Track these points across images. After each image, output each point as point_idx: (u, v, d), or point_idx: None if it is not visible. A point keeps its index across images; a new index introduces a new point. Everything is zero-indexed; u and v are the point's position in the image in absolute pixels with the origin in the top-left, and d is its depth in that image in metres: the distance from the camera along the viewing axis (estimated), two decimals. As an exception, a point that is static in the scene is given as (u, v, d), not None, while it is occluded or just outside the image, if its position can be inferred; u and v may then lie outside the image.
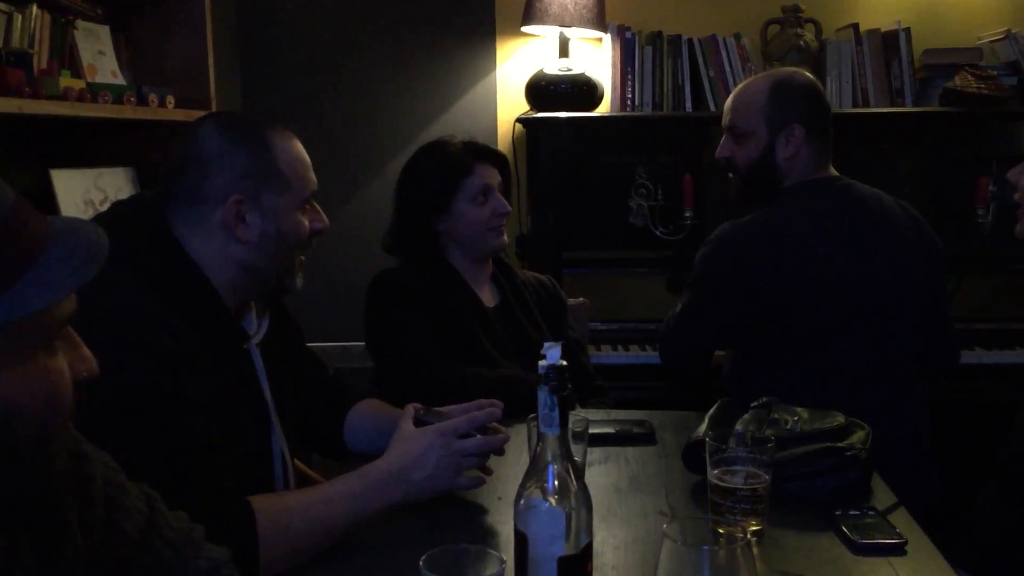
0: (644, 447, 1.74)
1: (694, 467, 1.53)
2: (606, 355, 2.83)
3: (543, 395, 0.95)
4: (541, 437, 0.97)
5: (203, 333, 1.33)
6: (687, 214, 2.88)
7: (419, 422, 1.43)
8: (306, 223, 1.45)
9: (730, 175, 2.17)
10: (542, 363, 0.95)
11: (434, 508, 1.39)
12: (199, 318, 1.33)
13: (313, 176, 1.47)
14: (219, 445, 1.27)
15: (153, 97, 2.32)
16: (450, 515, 1.41)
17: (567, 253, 2.97)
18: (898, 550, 1.27)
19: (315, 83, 3.30)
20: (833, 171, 2.11)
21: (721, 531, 1.01)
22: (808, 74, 2.18)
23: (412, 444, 1.37)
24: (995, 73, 2.90)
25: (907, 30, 3.01)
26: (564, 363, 0.95)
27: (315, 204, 1.48)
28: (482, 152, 2.12)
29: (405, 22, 3.28)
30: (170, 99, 2.39)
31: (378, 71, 3.30)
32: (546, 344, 0.96)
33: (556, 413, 0.96)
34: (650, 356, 2.79)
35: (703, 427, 1.57)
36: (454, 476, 1.38)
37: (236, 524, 1.20)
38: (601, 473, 1.59)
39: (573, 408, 2.00)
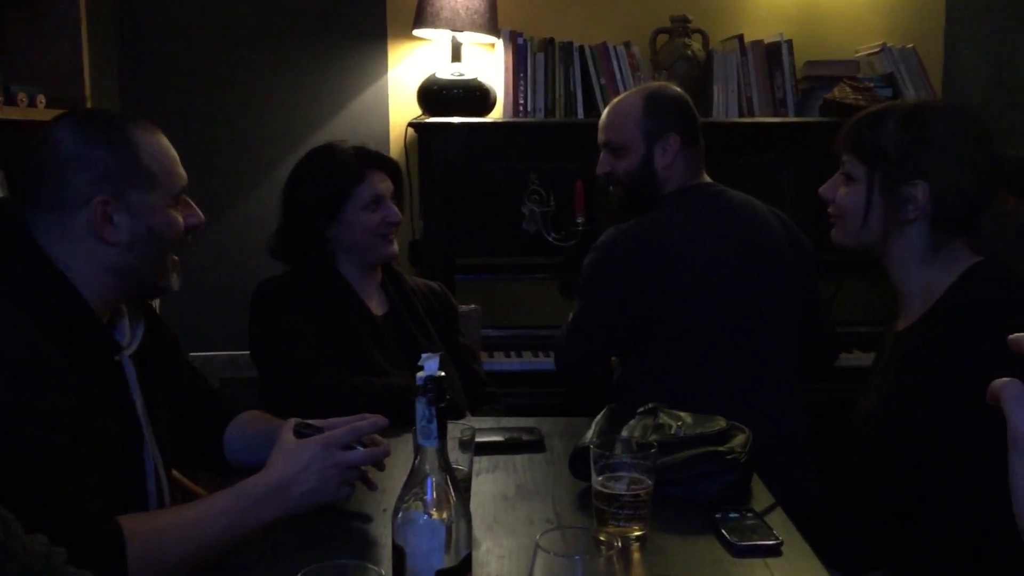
0: (533, 455, 1.73)
1: (581, 474, 1.54)
2: (499, 361, 2.83)
3: (420, 407, 0.94)
4: (419, 449, 0.96)
5: (70, 345, 1.26)
6: (579, 220, 2.90)
7: (300, 434, 1.39)
8: (180, 219, 1.40)
9: (610, 188, 2.22)
10: (419, 374, 0.94)
11: (315, 522, 1.36)
12: (65, 329, 1.27)
13: (182, 170, 1.42)
14: (85, 463, 1.21)
15: (22, 96, 2.21)
16: (331, 529, 1.37)
17: (460, 259, 2.96)
18: (774, 551, 1.29)
19: (200, 83, 3.20)
20: (707, 178, 2.17)
21: (602, 539, 1.01)
22: (676, 87, 2.24)
23: (293, 457, 1.33)
24: (871, 85, 3.02)
25: (789, 42, 3.11)
26: (442, 374, 0.94)
27: (188, 199, 1.43)
28: (374, 159, 2.09)
29: (295, 23, 3.22)
30: (41, 99, 2.28)
31: (267, 72, 3.23)
32: (423, 355, 0.95)
33: (434, 425, 0.94)
34: (543, 362, 2.80)
35: (590, 433, 1.58)
36: (336, 489, 1.34)
37: (103, 546, 1.14)
38: (489, 482, 1.58)
39: (463, 416, 1.99)
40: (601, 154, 2.22)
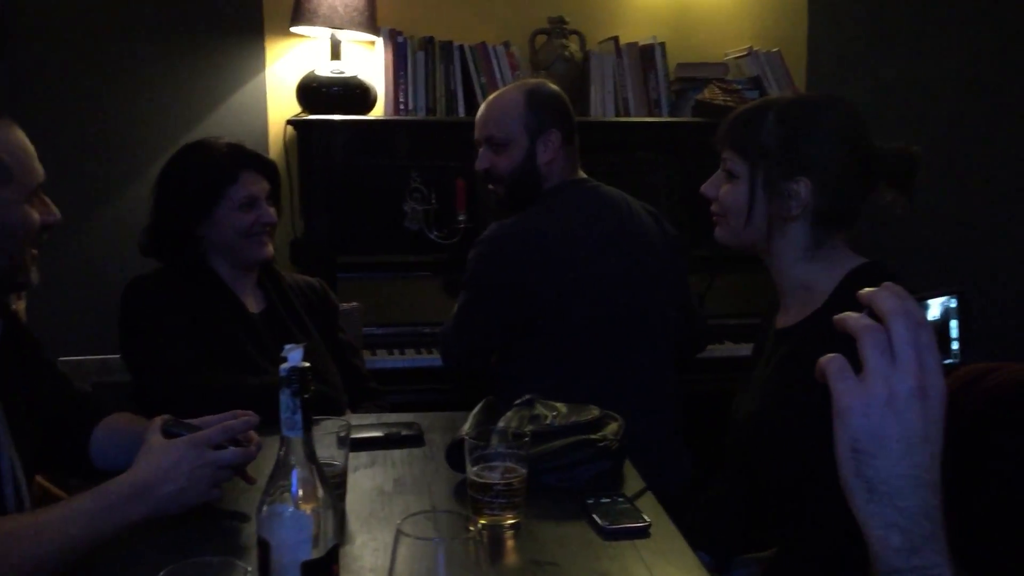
0: (412, 449, 1.74)
1: (458, 466, 1.55)
2: (382, 359, 2.82)
3: (285, 398, 0.93)
4: (284, 440, 0.95)
5: None
6: (461, 218, 2.92)
7: (168, 434, 1.36)
8: (35, 215, 1.36)
9: (490, 187, 2.23)
10: (283, 366, 0.93)
11: (184, 523, 1.33)
12: None
13: (39, 166, 1.39)
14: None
15: None
16: (202, 529, 1.35)
17: (342, 258, 2.93)
18: (643, 533, 1.34)
19: (72, 78, 3.08)
20: (583, 174, 2.22)
21: (472, 528, 1.02)
22: (553, 84, 2.27)
23: (159, 457, 1.30)
24: (739, 87, 3.14)
25: (662, 45, 3.20)
26: (307, 364, 0.94)
27: (44, 196, 1.40)
28: (249, 159, 2.04)
29: (169, 18, 3.13)
30: None
31: (141, 68, 3.13)
32: (287, 347, 0.94)
33: (299, 416, 0.94)
34: (426, 359, 2.81)
35: (467, 426, 1.59)
36: (207, 489, 1.31)
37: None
38: (366, 477, 1.58)
39: (343, 413, 1.98)
40: (480, 150, 2.23)
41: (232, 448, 1.36)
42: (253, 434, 1.41)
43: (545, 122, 2.14)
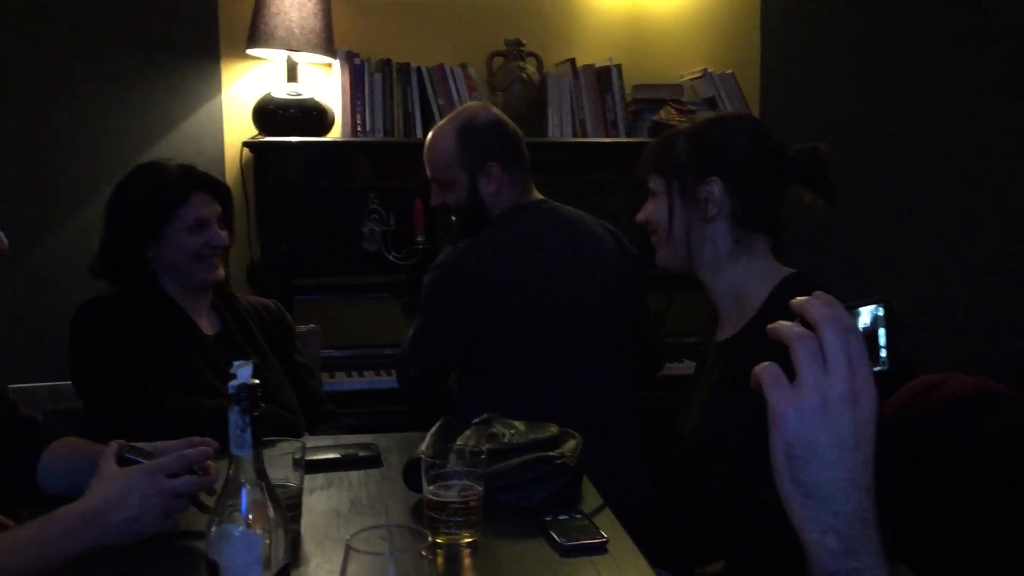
0: (369, 470, 1.72)
1: (415, 485, 1.54)
2: (340, 381, 2.79)
3: (234, 415, 0.92)
4: (233, 459, 0.93)
5: None
6: (419, 239, 2.92)
7: (123, 460, 1.33)
8: None
9: (452, 218, 2.26)
10: (232, 383, 0.92)
11: (140, 547, 1.29)
12: None
13: None
14: None
15: None
16: (153, 553, 1.32)
17: (299, 280, 2.91)
18: (600, 549, 1.33)
19: (24, 98, 3.04)
20: (538, 195, 2.23)
21: (422, 542, 1.01)
22: (492, 108, 2.27)
23: (112, 484, 1.27)
24: (694, 108, 3.18)
25: (619, 67, 3.23)
26: (256, 381, 0.93)
27: None
28: (200, 181, 2.02)
29: (124, 38, 3.10)
30: None
31: (96, 89, 3.09)
32: (235, 363, 0.93)
33: (248, 433, 0.92)
34: (384, 380, 2.79)
35: (424, 445, 1.58)
36: (159, 518, 1.28)
37: None
38: (322, 499, 1.56)
39: (300, 435, 1.95)
40: (432, 186, 2.26)
41: (187, 476, 1.33)
42: (211, 463, 1.39)
43: (481, 156, 2.15)
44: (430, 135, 2.25)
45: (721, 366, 1.63)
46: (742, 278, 1.63)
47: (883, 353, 0.78)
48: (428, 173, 2.25)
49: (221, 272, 2.02)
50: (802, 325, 0.75)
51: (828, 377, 0.73)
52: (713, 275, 1.66)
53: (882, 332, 0.78)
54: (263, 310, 2.19)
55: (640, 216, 1.73)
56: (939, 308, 2.99)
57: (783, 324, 0.76)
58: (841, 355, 0.73)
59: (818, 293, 0.76)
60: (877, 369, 0.77)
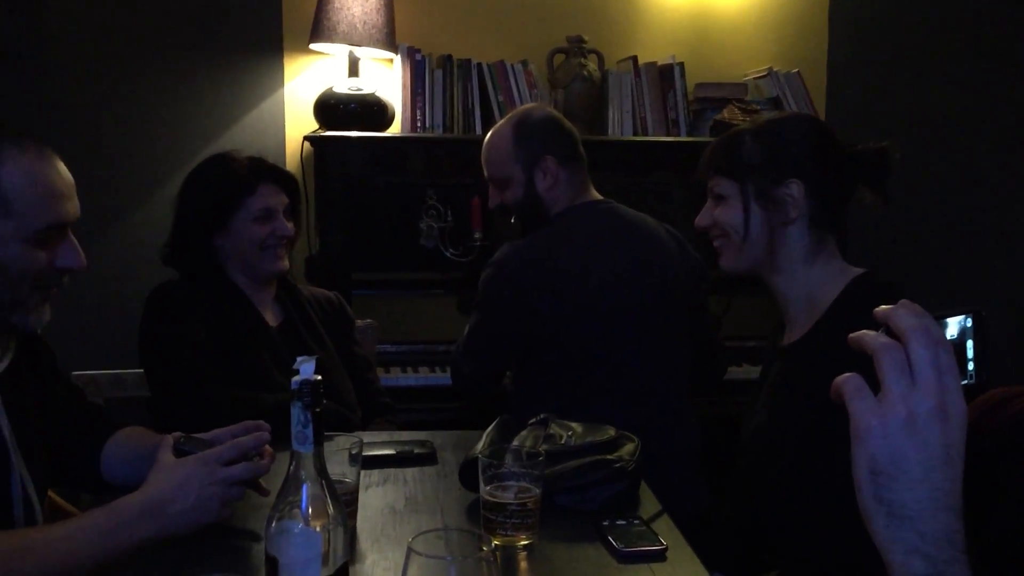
0: (425, 467, 1.72)
1: (470, 485, 1.53)
2: (395, 377, 2.80)
3: (296, 411, 0.92)
4: (295, 455, 0.93)
5: None
6: (476, 236, 2.91)
7: (180, 451, 1.34)
8: (40, 256, 1.31)
9: (512, 220, 2.26)
10: (295, 379, 0.92)
11: (197, 541, 1.30)
12: None
13: (61, 207, 1.32)
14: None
15: None
16: (213, 547, 1.32)
17: (357, 275, 2.92)
18: (659, 556, 1.31)
19: (89, 95, 3.09)
20: (596, 195, 2.21)
21: (484, 548, 1.00)
22: (547, 108, 2.29)
23: (170, 475, 1.28)
24: (758, 107, 3.12)
25: (681, 64, 3.19)
26: (318, 378, 0.92)
27: (71, 238, 1.35)
28: (268, 172, 2.05)
29: (189, 34, 3.14)
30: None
31: (160, 84, 3.14)
32: (299, 358, 0.93)
33: (310, 430, 0.92)
34: (440, 377, 2.79)
35: (480, 445, 1.57)
36: (217, 508, 1.29)
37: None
38: (378, 495, 1.56)
39: (354, 429, 1.96)
40: (489, 187, 2.25)
41: (243, 463, 1.33)
42: (268, 448, 1.39)
43: (536, 151, 2.15)
44: (487, 136, 2.25)
45: (788, 369, 1.59)
46: (817, 279, 1.59)
47: (971, 366, 0.75)
48: (486, 173, 2.25)
49: (286, 263, 2.04)
50: (888, 335, 0.72)
51: (916, 391, 0.69)
52: (788, 278, 1.62)
53: (970, 344, 0.75)
54: (324, 302, 2.21)
55: (702, 220, 1.68)
56: (1012, 315, 2.90)
57: (867, 333, 0.72)
58: (930, 368, 0.69)
59: (904, 302, 0.73)
60: (964, 383, 0.74)
